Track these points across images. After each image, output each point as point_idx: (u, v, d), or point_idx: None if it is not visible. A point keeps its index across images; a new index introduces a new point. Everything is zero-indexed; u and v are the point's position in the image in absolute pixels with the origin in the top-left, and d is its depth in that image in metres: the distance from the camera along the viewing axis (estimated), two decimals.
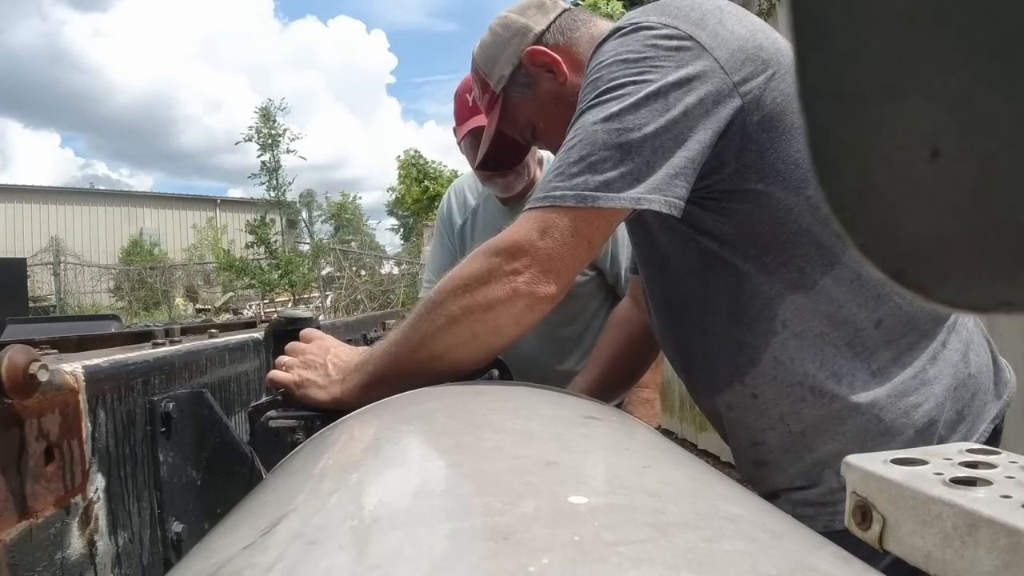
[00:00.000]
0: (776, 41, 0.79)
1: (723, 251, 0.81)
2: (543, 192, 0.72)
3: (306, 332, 0.87)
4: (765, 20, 0.83)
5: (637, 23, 0.75)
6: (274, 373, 0.80)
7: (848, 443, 0.78)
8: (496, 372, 0.96)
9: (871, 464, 0.44)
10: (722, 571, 0.21)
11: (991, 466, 0.43)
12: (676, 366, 0.98)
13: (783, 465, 0.83)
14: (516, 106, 1.01)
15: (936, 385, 0.77)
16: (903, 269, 0.15)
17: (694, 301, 0.87)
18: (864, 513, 0.43)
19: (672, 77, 0.71)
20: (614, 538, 0.22)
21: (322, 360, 0.79)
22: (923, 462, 0.44)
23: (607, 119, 0.70)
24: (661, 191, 0.70)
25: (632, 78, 0.71)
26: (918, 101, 0.14)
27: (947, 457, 0.45)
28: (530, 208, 0.73)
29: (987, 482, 0.39)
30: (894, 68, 0.14)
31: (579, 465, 0.33)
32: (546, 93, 0.98)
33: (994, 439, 0.82)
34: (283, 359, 0.82)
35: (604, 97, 0.72)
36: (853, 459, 0.46)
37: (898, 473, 0.42)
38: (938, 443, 0.78)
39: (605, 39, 0.76)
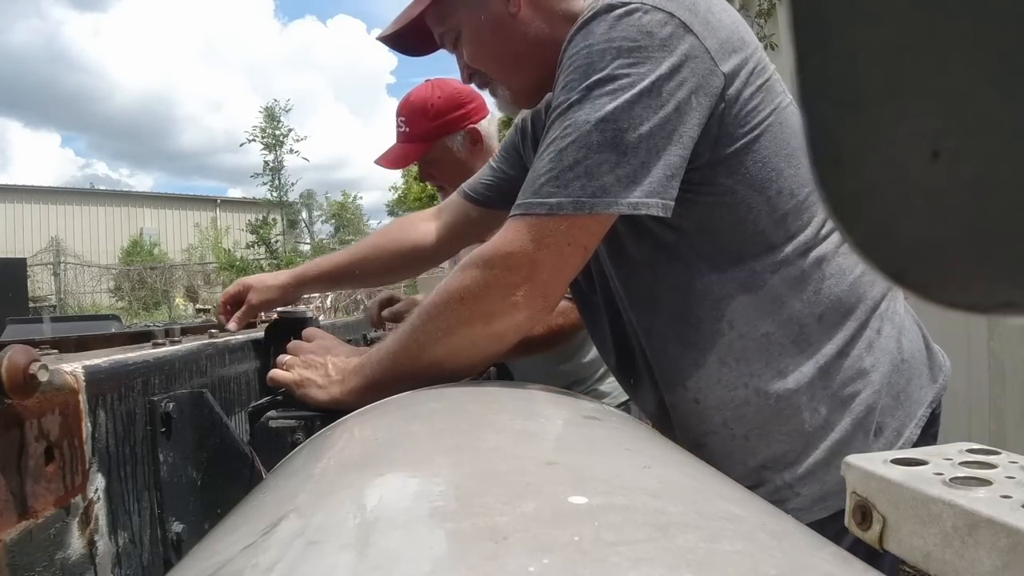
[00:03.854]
0: (752, 36, 0.78)
1: (679, 246, 0.80)
2: (538, 198, 0.70)
3: (308, 331, 0.87)
4: (765, 20, 0.83)
5: (629, 5, 0.71)
6: (275, 372, 0.80)
7: (790, 444, 0.78)
8: (494, 370, 0.95)
9: (871, 464, 0.44)
10: (722, 571, 0.21)
11: (991, 466, 0.43)
12: (610, 362, 0.96)
13: (725, 469, 0.83)
14: (454, 4, 0.90)
15: (874, 373, 0.78)
16: (903, 270, 0.15)
17: (642, 296, 0.85)
18: (864, 513, 0.43)
19: (664, 68, 0.69)
20: (614, 538, 0.22)
21: (322, 360, 0.79)
22: (923, 462, 0.44)
23: (602, 119, 0.68)
24: (659, 194, 0.69)
25: (625, 70, 0.69)
26: (918, 101, 0.14)
27: (947, 457, 0.45)
28: (524, 213, 0.70)
29: (987, 482, 0.39)
30: (894, 68, 0.14)
31: (579, 465, 0.33)
32: (490, 13, 0.87)
33: (932, 423, 0.82)
34: (284, 358, 0.82)
35: (596, 91, 0.69)
36: (853, 459, 0.46)
37: (898, 473, 0.42)
38: (876, 431, 0.78)
39: (593, 16, 0.72)
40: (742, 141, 0.75)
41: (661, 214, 0.69)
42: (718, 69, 0.72)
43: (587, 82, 0.70)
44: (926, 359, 0.84)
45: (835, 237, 0.79)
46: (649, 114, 0.68)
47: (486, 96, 1.60)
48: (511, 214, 0.72)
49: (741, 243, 0.78)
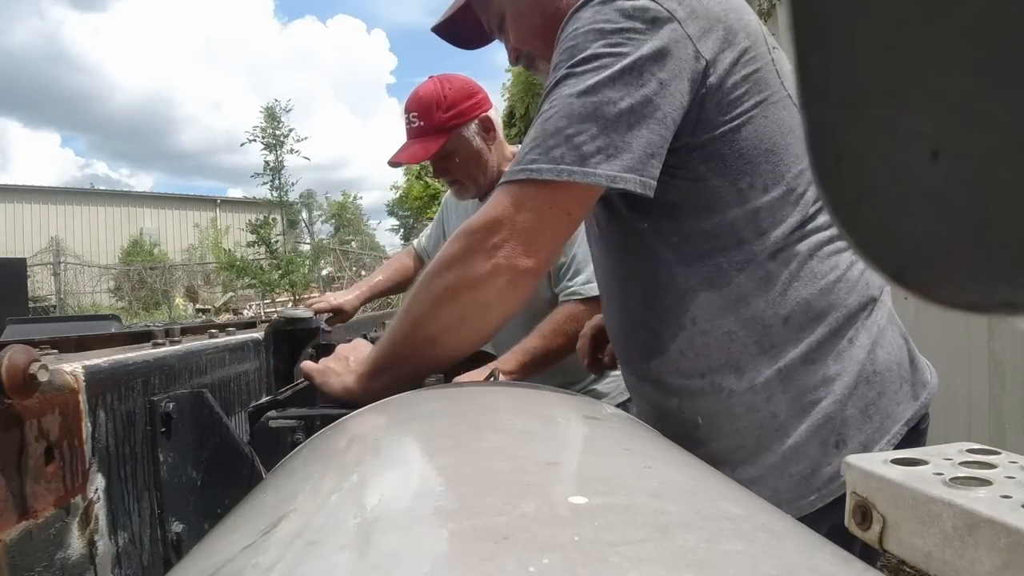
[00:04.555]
0: (748, 24, 0.78)
1: (647, 233, 0.81)
2: (519, 165, 0.71)
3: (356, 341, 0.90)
4: (765, 21, 0.83)
5: None
6: (306, 363, 0.82)
7: (739, 441, 0.78)
8: (498, 371, 0.95)
9: (871, 464, 0.44)
10: (722, 571, 0.21)
11: (991, 466, 0.43)
12: (609, 333, 0.98)
13: None
14: None
15: (837, 383, 0.77)
16: (903, 269, 0.15)
17: (618, 278, 0.89)
18: (864, 513, 0.43)
19: (647, 50, 0.70)
20: (614, 538, 0.22)
21: (347, 354, 0.81)
22: (923, 462, 0.44)
23: (584, 92, 0.69)
24: (637, 171, 0.69)
25: (608, 49, 0.70)
26: (918, 101, 0.14)
27: (947, 457, 0.45)
28: (506, 182, 0.72)
29: (987, 482, 0.39)
30: (894, 68, 0.14)
31: (579, 465, 0.33)
32: None
33: (910, 443, 0.79)
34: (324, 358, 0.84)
35: (580, 68, 0.71)
36: (853, 459, 0.46)
37: (898, 473, 0.42)
38: (837, 442, 0.77)
39: (581, 6, 0.75)
40: (721, 129, 0.75)
41: (639, 191, 0.70)
42: (701, 55, 0.72)
43: (572, 62, 0.71)
44: (908, 374, 0.81)
45: (811, 240, 0.78)
46: (631, 91, 0.69)
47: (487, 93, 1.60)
48: (496, 185, 0.74)
49: (709, 235, 0.78)
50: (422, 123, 1.52)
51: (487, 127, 1.56)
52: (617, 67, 0.69)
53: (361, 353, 0.81)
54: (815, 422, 0.76)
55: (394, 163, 1.57)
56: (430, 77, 1.58)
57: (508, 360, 1.31)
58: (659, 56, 0.70)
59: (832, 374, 0.77)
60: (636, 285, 0.85)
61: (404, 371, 0.72)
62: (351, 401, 0.73)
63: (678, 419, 0.83)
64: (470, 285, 0.70)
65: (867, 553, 0.45)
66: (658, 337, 0.83)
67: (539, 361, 1.35)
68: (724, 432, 0.80)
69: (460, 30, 1.03)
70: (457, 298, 0.71)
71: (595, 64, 0.70)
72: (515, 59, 0.98)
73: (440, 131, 1.51)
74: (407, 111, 1.56)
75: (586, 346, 1.17)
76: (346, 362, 0.80)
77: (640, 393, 0.90)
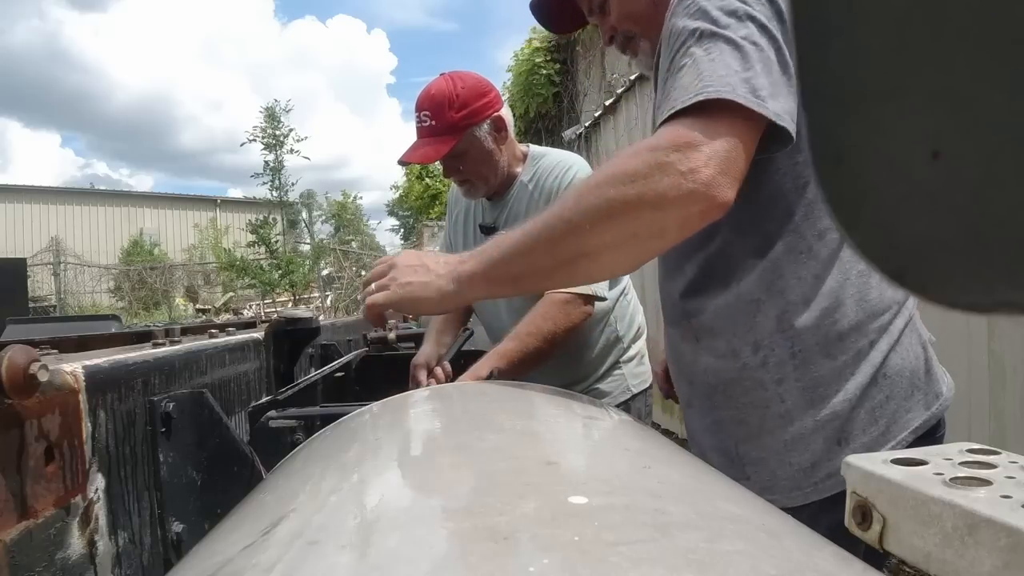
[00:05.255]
0: None
1: None
2: (691, 95, 0.66)
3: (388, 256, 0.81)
4: None
5: None
6: (373, 298, 0.74)
7: (746, 415, 0.81)
8: (495, 372, 0.96)
9: (871, 464, 0.44)
10: (722, 571, 0.21)
11: (991, 466, 0.43)
12: (663, 295, 0.99)
13: (698, 415, 0.90)
14: None
15: (850, 382, 0.78)
16: (903, 269, 0.15)
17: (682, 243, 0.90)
18: (864, 513, 0.43)
19: (771, 12, 0.70)
20: (614, 538, 0.22)
21: (418, 262, 0.74)
22: (923, 462, 0.44)
23: (739, 40, 0.68)
24: (792, 116, 0.66)
25: (743, 6, 0.70)
26: (918, 101, 0.14)
27: (947, 457, 0.45)
28: (684, 108, 0.66)
29: (987, 482, 0.39)
30: (894, 68, 0.14)
31: (579, 465, 0.33)
32: None
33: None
34: (373, 285, 0.75)
35: (724, 22, 0.69)
36: (853, 459, 0.46)
37: (898, 473, 0.42)
38: (841, 440, 0.78)
39: None
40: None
41: (792, 132, 0.66)
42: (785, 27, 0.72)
43: (710, 18, 0.70)
44: (922, 383, 0.81)
45: None
46: (774, 43, 0.68)
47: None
48: (662, 121, 0.68)
49: (762, 204, 0.79)
50: (434, 122, 1.48)
51: (499, 127, 1.54)
52: (756, 24, 0.69)
53: (436, 257, 0.75)
54: (821, 418, 0.78)
55: (404, 163, 1.56)
56: (441, 74, 1.55)
57: (482, 367, 1.27)
58: (779, 18, 0.70)
59: (847, 374, 0.78)
60: (690, 247, 0.84)
61: (531, 282, 0.69)
62: (444, 307, 0.70)
63: (701, 383, 0.87)
64: (655, 204, 0.63)
65: (870, 553, 0.45)
66: (702, 296, 0.85)
67: (517, 364, 1.32)
68: (734, 403, 0.83)
69: (553, 11, 1.05)
70: (635, 214, 0.64)
71: (735, 20, 0.69)
72: (609, 40, 0.98)
73: (452, 131, 1.48)
74: (418, 109, 1.53)
75: (662, 378, 1.18)
76: (424, 269, 0.72)
77: (678, 355, 0.93)
